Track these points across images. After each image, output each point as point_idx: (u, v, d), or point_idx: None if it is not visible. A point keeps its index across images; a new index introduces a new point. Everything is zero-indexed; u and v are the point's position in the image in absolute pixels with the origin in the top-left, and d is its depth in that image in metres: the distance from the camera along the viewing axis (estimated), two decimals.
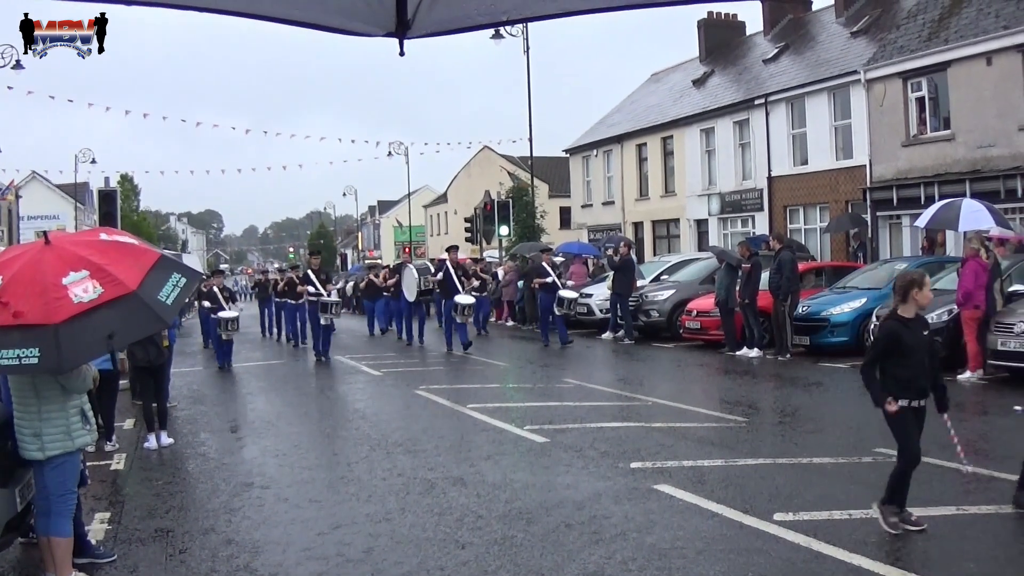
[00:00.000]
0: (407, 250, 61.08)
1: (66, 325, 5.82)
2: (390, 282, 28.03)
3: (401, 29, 3.77)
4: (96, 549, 7.40)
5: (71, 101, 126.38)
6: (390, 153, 63.68)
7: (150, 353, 12.21)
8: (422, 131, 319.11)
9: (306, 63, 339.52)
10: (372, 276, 30.47)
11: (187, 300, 32.60)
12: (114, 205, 23.08)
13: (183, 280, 6.38)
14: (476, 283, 26.03)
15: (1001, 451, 10.04)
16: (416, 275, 24.49)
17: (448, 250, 24.58)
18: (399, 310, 27.47)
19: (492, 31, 31.71)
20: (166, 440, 12.17)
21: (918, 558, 6.49)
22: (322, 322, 22.41)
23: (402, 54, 3.87)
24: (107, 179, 31.11)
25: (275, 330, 30.97)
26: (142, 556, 7.48)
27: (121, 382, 14.97)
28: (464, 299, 23.15)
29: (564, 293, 23.75)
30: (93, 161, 55.43)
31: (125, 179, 72.33)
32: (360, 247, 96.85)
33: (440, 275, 23.89)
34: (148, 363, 12.30)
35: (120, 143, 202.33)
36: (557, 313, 23.55)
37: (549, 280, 24.20)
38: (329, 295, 23.01)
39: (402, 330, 27.08)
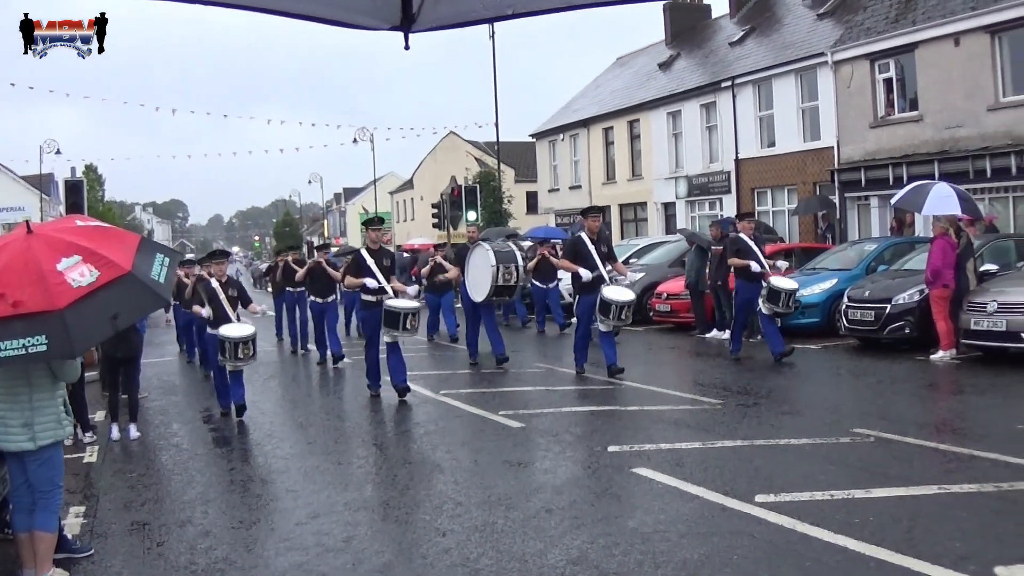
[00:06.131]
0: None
1: (71, 309, 5.81)
2: (451, 275, 18.62)
3: (406, 23, 3.86)
4: (73, 544, 7.28)
5: (32, 88, 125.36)
6: (355, 140, 63.31)
7: (131, 342, 12.08)
8: (385, 122, 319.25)
9: (264, 57, 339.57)
10: (441, 258, 20.99)
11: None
12: (81, 196, 22.80)
13: (167, 260, 6.49)
14: (634, 275, 17.14)
15: (979, 430, 10.10)
16: (494, 262, 16.15)
17: (585, 213, 15.68)
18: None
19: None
20: (134, 433, 11.98)
21: (903, 538, 6.47)
22: (386, 339, 13.77)
23: (407, 47, 3.95)
24: (73, 169, 30.61)
25: (293, 336, 21.96)
26: (119, 550, 7.38)
27: (90, 374, 14.81)
28: (620, 295, 14.68)
29: (778, 282, 15.98)
30: (58, 152, 54.86)
31: (90, 169, 71.52)
32: (326, 235, 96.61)
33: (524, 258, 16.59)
34: (127, 353, 12.17)
35: (83, 133, 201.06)
36: (764, 311, 16.08)
37: (755, 268, 16.14)
38: (400, 294, 13.89)
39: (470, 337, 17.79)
